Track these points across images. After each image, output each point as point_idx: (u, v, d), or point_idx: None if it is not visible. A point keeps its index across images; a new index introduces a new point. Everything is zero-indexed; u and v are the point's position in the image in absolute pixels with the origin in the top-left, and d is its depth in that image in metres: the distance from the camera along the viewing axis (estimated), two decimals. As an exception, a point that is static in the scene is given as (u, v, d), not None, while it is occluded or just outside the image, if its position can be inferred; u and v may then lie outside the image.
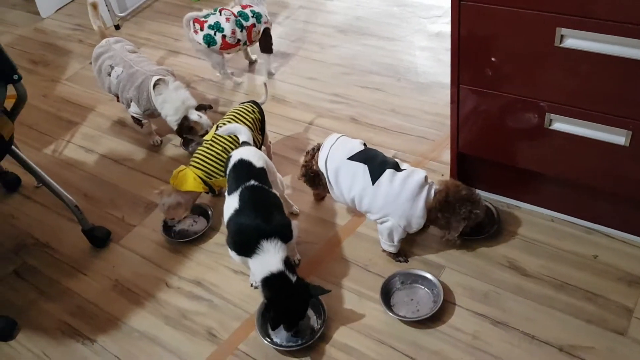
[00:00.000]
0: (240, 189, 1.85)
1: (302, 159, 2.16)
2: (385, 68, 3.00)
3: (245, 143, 2.06)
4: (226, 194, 1.92)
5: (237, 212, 1.83)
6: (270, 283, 1.74)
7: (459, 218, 1.89)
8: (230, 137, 2.21)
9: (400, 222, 1.92)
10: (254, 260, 1.76)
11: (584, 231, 2.03)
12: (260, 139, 2.35)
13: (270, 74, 3.08)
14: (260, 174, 1.92)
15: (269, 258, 1.74)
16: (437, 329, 1.83)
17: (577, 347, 1.73)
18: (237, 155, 1.96)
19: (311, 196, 2.31)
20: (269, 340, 1.86)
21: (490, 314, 1.85)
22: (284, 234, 1.79)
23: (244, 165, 1.93)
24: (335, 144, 2.04)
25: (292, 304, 1.77)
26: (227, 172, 1.96)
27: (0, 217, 2.53)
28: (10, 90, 2.00)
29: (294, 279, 1.75)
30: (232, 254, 1.84)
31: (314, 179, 2.14)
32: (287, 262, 1.77)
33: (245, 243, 1.78)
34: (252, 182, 1.87)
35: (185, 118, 2.48)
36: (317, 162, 2.07)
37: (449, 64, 1.86)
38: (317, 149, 2.09)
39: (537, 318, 1.81)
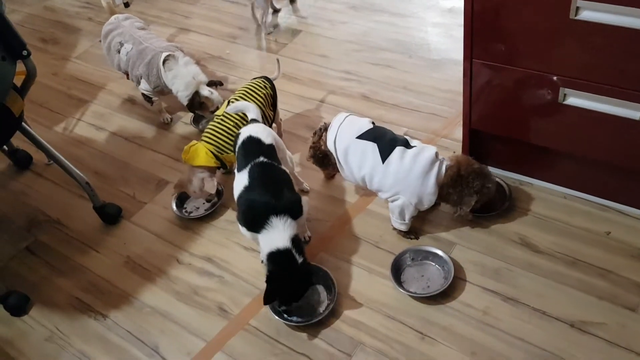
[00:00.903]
0: (249, 166, 1.85)
1: (310, 139, 2.14)
2: (397, 45, 2.96)
3: (253, 120, 2.05)
4: (235, 170, 1.92)
5: (246, 189, 1.83)
6: (274, 258, 1.73)
7: (471, 192, 1.87)
8: (241, 113, 2.20)
9: (412, 199, 1.91)
10: (262, 235, 1.76)
11: (597, 208, 2.01)
12: (271, 114, 2.34)
13: (275, 10, 3.36)
14: (270, 150, 1.91)
15: (277, 234, 1.74)
16: (447, 305, 1.83)
17: (588, 323, 1.72)
18: (245, 132, 1.96)
19: (321, 174, 2.30)
20: (280, 315, 1.87)
21: (501, 290, 1.84)
22: (294, 210, 1.79)
23: (253, 142, 1.92)
24: (344, 123, 2.02)
25: (291, 283, 1.76)
26: (236, 149, 1.96)
27: (11, 194, 2.54)
28: (20, 67, 2.00)
29: (300, 260, 1.74)
30: (243, 230, 1.84)
31: (323, 160, 2.12)
32: (296, 241, 1.76)
33: (254, 219, 1.78)
34: (262, 158, 1.86)
35: (197, 93, 2.47)
36: (325, 142, 2.05)
37: (461, 40, 1.83)
38: (324, 129, 2.08)
39: (548, 294, 1.80)
